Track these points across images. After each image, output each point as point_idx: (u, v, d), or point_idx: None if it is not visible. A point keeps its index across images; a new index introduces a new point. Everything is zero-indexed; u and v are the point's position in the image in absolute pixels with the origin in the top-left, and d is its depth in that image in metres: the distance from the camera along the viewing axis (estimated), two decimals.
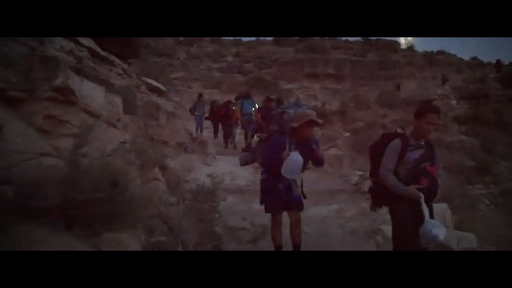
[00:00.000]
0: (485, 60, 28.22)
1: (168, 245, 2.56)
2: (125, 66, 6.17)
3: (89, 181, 2.12)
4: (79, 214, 2.00)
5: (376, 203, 3.04)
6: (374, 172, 2.91)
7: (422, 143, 2.70)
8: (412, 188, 2.53)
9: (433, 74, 24.68)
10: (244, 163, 3.95)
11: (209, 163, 7.66)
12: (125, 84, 5.49)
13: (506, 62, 26.63)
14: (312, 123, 3.37)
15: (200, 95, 13.26)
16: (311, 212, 5.75)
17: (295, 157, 3.27)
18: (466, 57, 28.62)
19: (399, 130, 5.01)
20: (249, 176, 7.07)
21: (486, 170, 12.28)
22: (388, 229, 4.89)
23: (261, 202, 3.66)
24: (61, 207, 1.94)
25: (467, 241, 4.08)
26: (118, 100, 3.86)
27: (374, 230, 5.18)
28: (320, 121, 3.49)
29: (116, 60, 5.78)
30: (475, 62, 28.02)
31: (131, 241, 2.31)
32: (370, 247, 4.68)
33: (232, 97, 12.50)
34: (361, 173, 7.36)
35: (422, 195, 2.50)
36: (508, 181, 11.77)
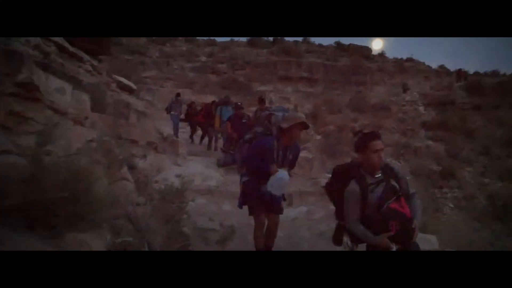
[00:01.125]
0: (452, 69, 29.47)
1: (134, 246, 2.53)
2: (94, 63, 6.03)
3: (53, 180, 2.08)
4: (42, 214, 1.96)
5: (336, 241, 2.71)
6: (339, 215, 2.60)
7: (379, 175, 2.40)
8: (382, 238, 2.21)
9: (402, 81, 25.52)
10: (223, 164, 3.90)
11: (180, 163, 7.60)
12: (94, 81, 5.35)
13: (471, 72, 28.09)
14: (302, 125, 3.36)
15: (178, 94, 12.82)
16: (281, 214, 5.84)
17: (282, 175, 3.27)
18: (434, 65, 29.67)
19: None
20: (219, 177, 7.07)
21: (451, 175, 12.84)
22: None
23: (242, 204, 3.64)
24: (23, 206, 1.89)
25: (429, 243, 4.26)
26: (85, 97, 3.79)
27: None
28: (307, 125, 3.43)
29: (86, 57, 5.63)
30: (443, 70, 29.24)
31: (95, 242, 2.27)
32: (338, 249, 4.80)
33: (205, 98, 12.40)
34: (329, 175, 7.53)
35: (393, 246, 2.20)
36: (471, 186, 12.33)
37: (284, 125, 3.33)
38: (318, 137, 14.91)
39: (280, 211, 3.64)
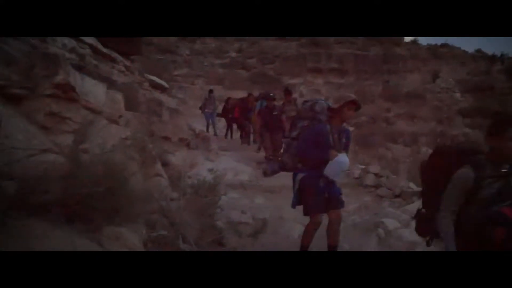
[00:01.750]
0: (490, 53, 27.89)
1: (169, 239, 2.60)
2: (127, 63, 6.21)
3: (90, 176, 2.16)
4: (80, 208, 2.04)
5: (421, 233, 2.37)
6: (428, 203, 2.25)
7: (506, 169, 1.90)
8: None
9: (436, 68, 24.49)
10: (271, 173, 3.77)
11: (212, 158, 7.70)
12: (127, 81, 5.53)
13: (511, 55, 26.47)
14: (353, 104, 3.18)
15: (211, 91, 12.43)
16: None
17: (342, 159, 3.11)
18: (471, 49, 28.19)
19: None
20: (251, 171, 7.11)
21: None
22: (389, 222, 4.93)
23: (297, 204, 3.39)
24: (62, 202, 1.98)
25: None
26: (119, 96, 3.91)
27: (375, 223, 5.19)
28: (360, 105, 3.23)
29: (119, 57, 5.82)
30: (479, 55, 27.69)
31: (131, 235, 2.35)
32: (372, 240, 4.70)
33: (236, 94, 12.40)
34: (363, 166, 7.37)
35: None
36: None
37: (335, 105, 3.22)
38: (351, 128, 14.63)
39: (341, 204, 3.37)
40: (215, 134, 11.06)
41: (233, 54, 24.20)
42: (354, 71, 23.05)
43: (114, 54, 5.66)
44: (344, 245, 4.50)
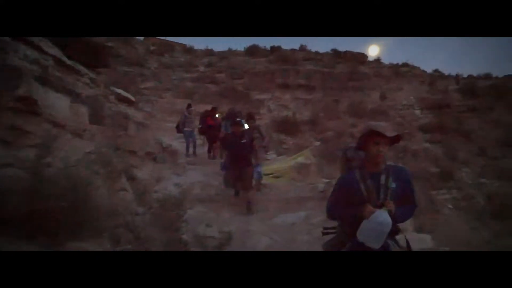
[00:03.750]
0: (446, 73, 29.64)
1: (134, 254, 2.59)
2: (92, 75, 6.12)
3: (53, 191, 2.14)
4: (43, 223, 2.02)
5: None
6: None
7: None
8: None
9: (398, 85, 25.69)
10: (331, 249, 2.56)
11: (180, 173, 7.66)
12: (92, 94, 5.44)
13: (465, 75, 28.34)
14: (376, 135, 2.24)
15: (189, 105, 10.92)
16: (279, 219, 5.89)
17: (382, 218, 2.13)
18: (429, 69, 29.81)
19: None
20: (218, 185, 7.12)
21: (449, 176, 12.92)
22: None
23: None
24: (24, 217, 1.96)
25: (422, 242, 4.31)
26: (84, 110, 3.87)
27: None
28: (392, 133, 2.27)
29: (83, 70, 5.73)
30: (437, 74, 29.39)
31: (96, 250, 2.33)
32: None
33: (204, 108, 11.98)
34: (327, 180, 7.58)
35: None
36: (469, 186, 12.41)
37: (359, 144, 2.37)
38: (317, 143, 15.00)
39: None
40: (195, 154, 10.20)
41: (202, 68, 24.27)
42: (321, 87, 23.73)
43: (79, 66, 5.57)
44: None
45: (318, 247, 4.98)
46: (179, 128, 10.43)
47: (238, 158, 6.01)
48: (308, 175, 8.06)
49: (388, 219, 2.12)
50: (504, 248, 6.76)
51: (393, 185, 2.23)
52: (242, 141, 6.04)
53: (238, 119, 6.62)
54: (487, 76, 27.80)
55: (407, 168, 2.45)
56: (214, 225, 4.49)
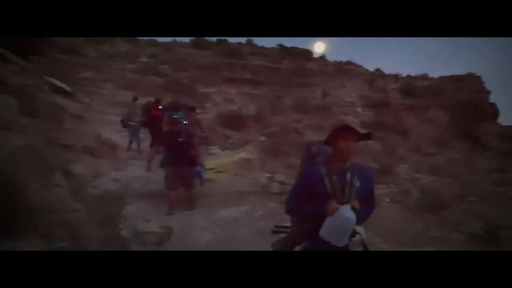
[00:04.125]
0: (387, 72, 31.61)
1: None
2: (23, 63, 5.73)
3: None
4: None
5: None
6: None
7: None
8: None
9: (342, 83, 26.92)
10: (282, 248, 2.57)
11: (120, 167, 7.43)
12: (23, 83, 5.10)
13: (404, 75, 30.52)
14: (345, 131, 2.18)
15: (135, 98, 10.35)
16: (221, 214, 5.99)
17: (347, 215, 2.06)
18: (371, 68, 31.65)
19: None
20: (161, 180, 7.03)
21: (388, 172, 13.82)
22: None
23: None
24: None
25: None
26: (13, 101, 3.64)
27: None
28: (364, 130, 2.20)
29: (13, 57, 5.34)
30: (378, 73, 31.24)
31: (29, 249, 2.25)
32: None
33: (147, 100, 11.54)
34: (269, 175, 7.81)
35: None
36: (405, 181, 13.38)
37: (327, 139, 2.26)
38: (262, 138, 15.28)
39: None
40: (139, 151, 9.68)
41: (145, 59, 23.47)
42: (267, 82, 24.10)
43: (7, 53, 5.19)
44: (249, 249, 4.78)
45: (259, 241, 5.18)
46: (124, 122, 9.92)
47: (176, 157, 5.77)
48: (251, 170, 8.23)
49: (353, 216, 2.06)
50: (434, 239, 7.48)
51: (358, 183, 2.18)
52: (179, 139, 5.81)
53: (174, 116, 6.17)
54: (424, 77, 30.24)
55: (370, 168, 2.44)
56: (155, 220, 4.47)
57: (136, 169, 7.71)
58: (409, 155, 16.79)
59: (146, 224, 4.07)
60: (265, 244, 5.06)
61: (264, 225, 5.82)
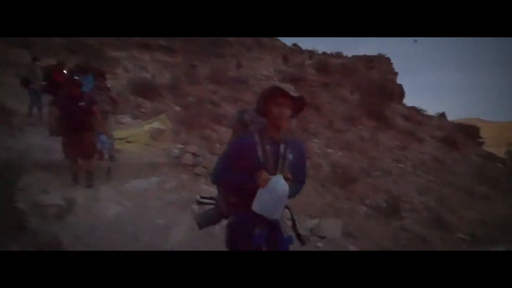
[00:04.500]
0: (304, 48, 32.68)
1: None
2: None
3: None
4: None
5: None
6: None
7: None
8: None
9: (259, 56, 27.29)
10: (206, 224, 2.40)
11: (15, 134, 6.75)
12: None
13: (320, 52, 31.95)
14: (278, 95, 2.04)
15: (35, 59, 9.39)
16: (130, 185, 5.91)
17: (280, 185, 1.94)
18: (289, 43, 32.36)
19: None
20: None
21: None
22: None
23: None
24: None
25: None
26: None
27: (191, 200, 5.74)
28: (296, 93, 2.05)
29: None
30: (295, 49, 32.23)
31: None
32: (186, 216, 5.15)
33: (49, 62, 10.42)
34: (181, 146, 7.85)
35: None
36: (318, 156, 14.30)
37: (260, 102, 2.15)
38: (177, 108, 15.00)
39: None
40: (40, 117, 8.87)
41: None
42: (183, 51, 23.35)
43: None
44: (160, 221, 4.87)
45: (168, 212, 5.25)
46: (26, 85, 8.94)
47: (72, 121, 5.26)
48: (163, 141, 8.15)
49: (286, 186, 1.94)
50: (341, 210, 8.25)
51: (290, 156, 2.08)
52: (79, 104, 5.32)
53: (75, 77, 5.68)
54: (338, 55, 32.07)
55: (304, 143, 2.36)
56: (57, 192, 4.25)
57: (34, 137, 7.08)
58: (322, 131, 17.91)
59: (46, 196, 3.86)
60: (176, 215, 5.18)
61: (176, 197, 5.91)
